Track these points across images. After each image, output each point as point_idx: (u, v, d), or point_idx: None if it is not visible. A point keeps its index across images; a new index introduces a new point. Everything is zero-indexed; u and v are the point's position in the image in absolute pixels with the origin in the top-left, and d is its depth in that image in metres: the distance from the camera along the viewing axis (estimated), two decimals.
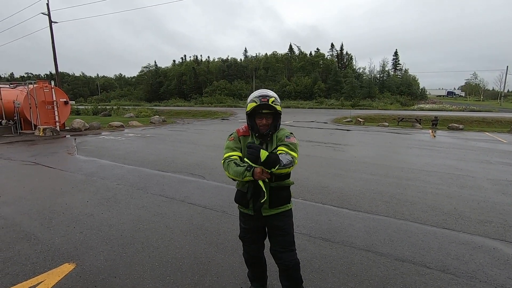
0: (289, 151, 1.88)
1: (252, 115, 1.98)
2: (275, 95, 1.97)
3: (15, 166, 6.98)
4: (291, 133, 2.04)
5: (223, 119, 23.80)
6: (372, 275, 2.60)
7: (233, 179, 1.95)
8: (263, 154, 1.72)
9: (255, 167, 1.79)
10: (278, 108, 1.93)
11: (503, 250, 3.05)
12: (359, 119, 19.61)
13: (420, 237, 3.31)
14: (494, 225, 3.67)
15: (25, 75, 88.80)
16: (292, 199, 2.09)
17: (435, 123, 17.72)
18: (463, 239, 3.28)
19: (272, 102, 1.90)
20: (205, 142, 10.79)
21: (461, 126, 16.90)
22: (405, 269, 2.69)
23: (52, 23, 21.20)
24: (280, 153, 1.84)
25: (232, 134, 2.10)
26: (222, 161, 1.99)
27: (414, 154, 8.59)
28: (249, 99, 2.00)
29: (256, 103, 1.91)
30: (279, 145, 1.94)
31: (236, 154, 1.99)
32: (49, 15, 21.13)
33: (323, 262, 2.81)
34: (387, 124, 18.63)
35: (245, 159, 1.83)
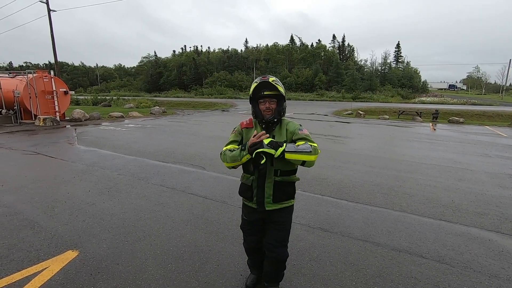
0: (308, 143, 1.86)
1: (255, 99, 1.97)
2: (275, 78, 1.96)
3: (16, 155, 7.02)
4: (301, 125, 2.02)
5: (223, 111, 23.71)
6: (369, 264, 2.66)
7: (233, 168, 1.98)
8: (266, 140, 1.76)
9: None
10: (280, 88, 1.90)
11: (498, 242, 3.10)
12: (360, 112, 19.56)
13: (417, 228, 3.37)
14: (490, 217, 3.73)
15: (24, 65, 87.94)
16: None
17: (435, 116, 17.68)
18: (459, 231, 3.34)
19: (272, 81, 1.89)
20: (205, 133, 10.79)
21: (461, 120, 16.88)
22: (401, 259, 2.75)
23: (51, 11, 20.93)
24: (298, 145, 1.82)
25: (235, 127, 2.11)
26: (220, 154, 2.03)
27: (413, 147, 8.62)
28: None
29: (257, 82, 1.91)
30: (297, 140, 1.91)
31: (233, 146, 2.00)
32: (47, 2, 20.82)
33: (321, 251, 2.87)
34: (387, 117, 18.60)
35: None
